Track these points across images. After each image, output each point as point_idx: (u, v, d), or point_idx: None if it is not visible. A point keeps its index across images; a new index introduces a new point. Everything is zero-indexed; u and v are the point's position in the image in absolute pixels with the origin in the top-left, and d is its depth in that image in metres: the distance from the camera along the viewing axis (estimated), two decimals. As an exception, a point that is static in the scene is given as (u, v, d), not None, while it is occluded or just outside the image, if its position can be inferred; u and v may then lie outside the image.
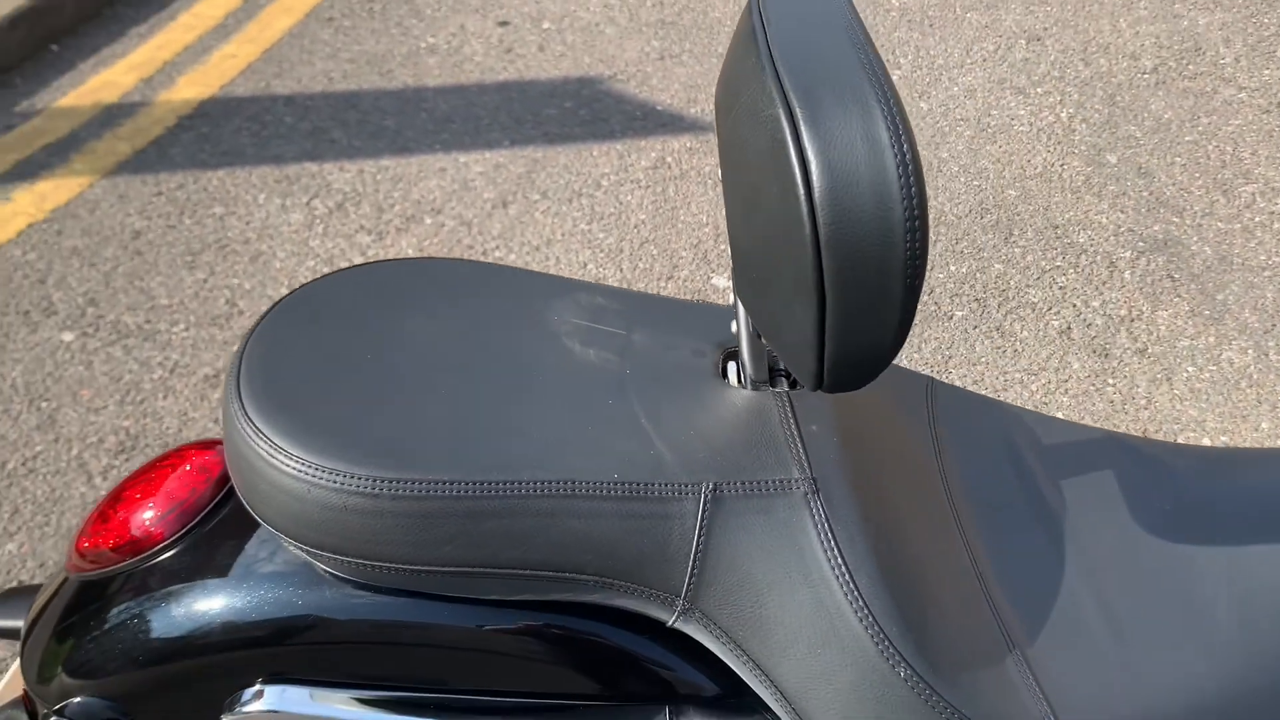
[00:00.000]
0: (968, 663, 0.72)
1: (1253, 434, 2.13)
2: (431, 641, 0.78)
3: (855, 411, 0.83)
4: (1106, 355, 2.32)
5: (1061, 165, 2.90)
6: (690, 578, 0.71)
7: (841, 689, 0.69)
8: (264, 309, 1.69)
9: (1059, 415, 2.18)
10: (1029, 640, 0.76)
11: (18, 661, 0.91)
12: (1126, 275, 2.54)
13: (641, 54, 3.33)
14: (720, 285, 2.47)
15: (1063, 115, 3.10)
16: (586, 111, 3.06)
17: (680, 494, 0.71)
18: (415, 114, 3.03)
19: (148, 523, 0.86)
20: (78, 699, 0.85)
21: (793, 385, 0.81)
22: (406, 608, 0.78)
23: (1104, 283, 2.51)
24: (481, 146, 2.90)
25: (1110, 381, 2.26)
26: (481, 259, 2.16)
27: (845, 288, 0.60)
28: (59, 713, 0.86)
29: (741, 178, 0.66)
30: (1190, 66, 3.35)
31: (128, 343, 2.25)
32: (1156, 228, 2.69)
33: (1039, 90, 3.21)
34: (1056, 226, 2.68)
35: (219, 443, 0.92)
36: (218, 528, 0.85)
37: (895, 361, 2.22)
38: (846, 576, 0.70)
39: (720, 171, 0.69)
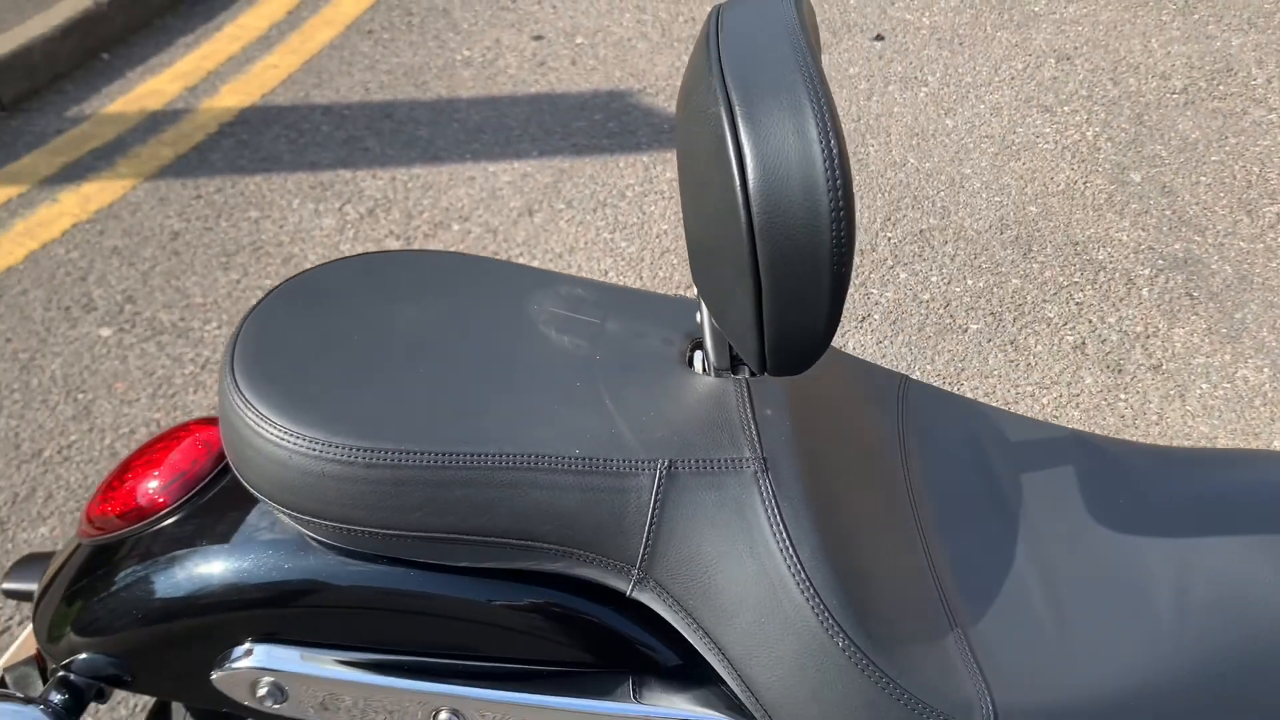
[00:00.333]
0: (907, 637, 0.76)
1: (1264, 451, 2.13)
2: (409, 608, 0.83)
3: (815, 400, 0.87)
4: (1120, 371, 2.33)
5: (1084, 183, 2.91)
6: (645, 548, 0.76)
7: (783, 657, 0.73)
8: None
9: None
10: (972, 621, 0.80)
11: (32, 623, 0.98)
12: (1144, 292, 2.55)
13: (672, 68, 3.39)
14: (738, 295, 2.51)
15: (1088, 134, 3.12)
16: (615, 124, 3.12)
17: (637, 469, 0.76)
18: (448, 124, 3.10)
19: (152, 491, 0.92)
20: (83, 655, 0.91)
21: (754, 373, 0.85)
22: (387, 575, 0.83)
23: (1121, 299, 2.52)
24: (511, 156, 2.97)
25: (1122, 397, 2.27)
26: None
27: (778, 274, 0.64)
28: (66, 668, 0.92)
29: (691, 172, 0.70)
30: (1220, 87, 3.35)
31: (162, 339, 2.33)
32: (1177, 246, 2.69)
33: (1066, 109, 3.23)
34: (1076, 243, 2.70)
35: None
36: (216, 497, 0.91)
37: (877, 361, 2.25)
38: (790, 550, 0.74)
39: (677, 168, 0.74)
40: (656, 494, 0.76)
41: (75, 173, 2.83)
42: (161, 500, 0.91)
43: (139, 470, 0.94)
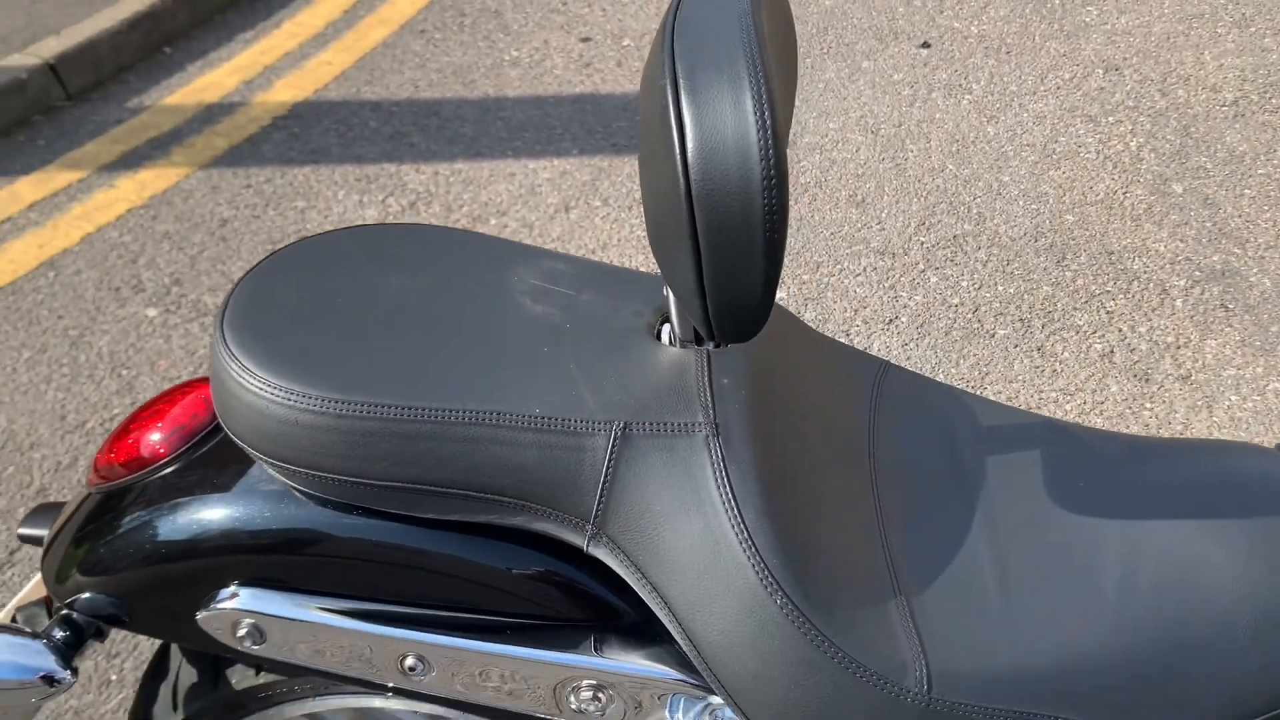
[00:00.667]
0: (847, 600, 0.78)
1: (1290, 465, 2.11)
2: (383, 559, 0.88)
3: (783, 377, 0.90)
4: (1147, 380, 2.32)
5: (1124, 193, 2.89)
6: (598, 505, 0.80)
7: (723, 612, 0.77)
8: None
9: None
10: (917, 591, 0.82)
11: (41, 566, 1.04)
12: (1178, 303, 2.53)
13: (715, 72, 3.42)
14: (766, 294, 2.53)
15: (1132, 144, 3.09)
16: (655, 125, 3.16)
17: (593, 430, 0.80)
18: (492, 122, 3.17)
19: (154, 443, 0.97)
20: (85, 595, 0.97)
21: (718, 346, 0.88)
22: (363, 527, 0.87)
23: (1154, 309, 2.51)
24: (551, 154, 3.03)
25: (1148, 406, 2.26)
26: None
27: (715, 240, 0.68)
28: (69, 606, 0.98)
29: (645, 144, 0.74)
30: (1273, 100, 3.30)
31: (205, 320, 2.42)
32: (1216, 258, 2.67)
33: (1110, 119, 3.21)
34: (1111, 252, 2.68)
35: None
36: (213, 449, 0.96)
37: (900, 363, 2.25)
38: (735, 510, 0.77)
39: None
40: (611, 453, 0.79)
41: (133, 160, 2.94)
42: (162, 451, 0.96)
43: (143, 423, 1.00)
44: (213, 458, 0.95)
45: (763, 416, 0.83)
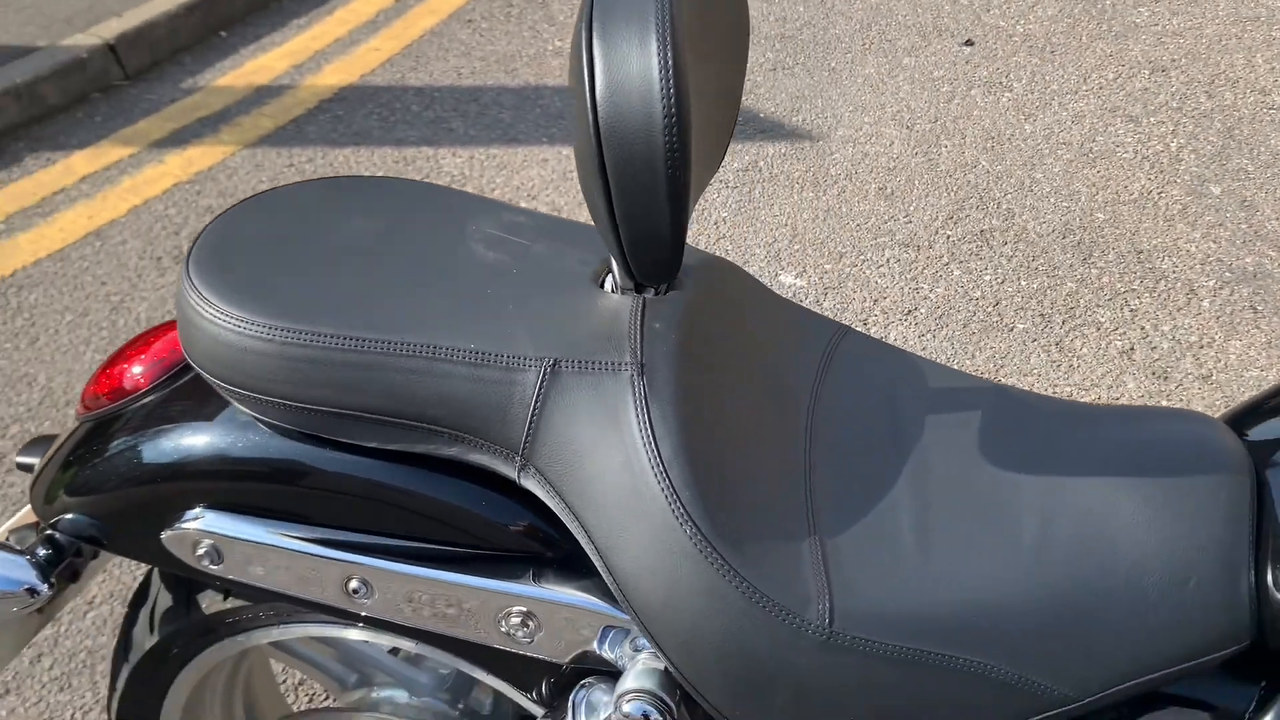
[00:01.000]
0: (758, 535, 0.81)
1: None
2: (335, 487, 0.92)
3: (718, 327, 0.93)
4: (1166, 378, 2.30)
5: (1159, 193, 2.86)
6: (526, 436, 0.83)
7: (637, 539, 0.80)
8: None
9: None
10: (832, 533, 0.85)
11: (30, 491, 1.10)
12: (1205, 303, 2.50)
13: (754, 64, 3.45)
14: (786, 281, 2.56)
15: (1172, 145, 3.06)
16: (690, 115, 3.19)
17: (524, 366, 0.83)
18: (531, 109, 3.23)
19: (135, 375, 1.03)
20: (69, 516, 1.03)
21: (657, 294, 0.91)
22: (316, 456, 0.92)
23: (1179, 308, 2.48)
24: (586, 141, 3.07)
25: (1164, 403, 2.23)
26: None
27: (622, 177, 0.71)
28: (53, 527, 1.04)
29: (573, 90, 0.78)
30: (1323, 105, 3.24)
31: (239, 290, 2.51)
32: (1249, 259, 2.63)
33: (1152, 120, 3.17)
34: (1140, 251, 2.65)
35: None
36: (188, 382, 1.01)
37: (915, 353, 2.26)
38: (653, 445, 0.80)
39: None
40: (540, 388, 0.83)
41: (182, 138, 3.04)
42: (142, 382, 1.02)
43: (129, 357, 1.06)
44: (188, 389, 1.01)
45: (691, 361, 0.86)
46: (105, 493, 1.00)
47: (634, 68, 0.69)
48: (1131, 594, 0.82)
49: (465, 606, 0.91)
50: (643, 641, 0.88)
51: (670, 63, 0.69)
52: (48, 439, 1.16)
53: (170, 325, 1.08)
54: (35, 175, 2.87)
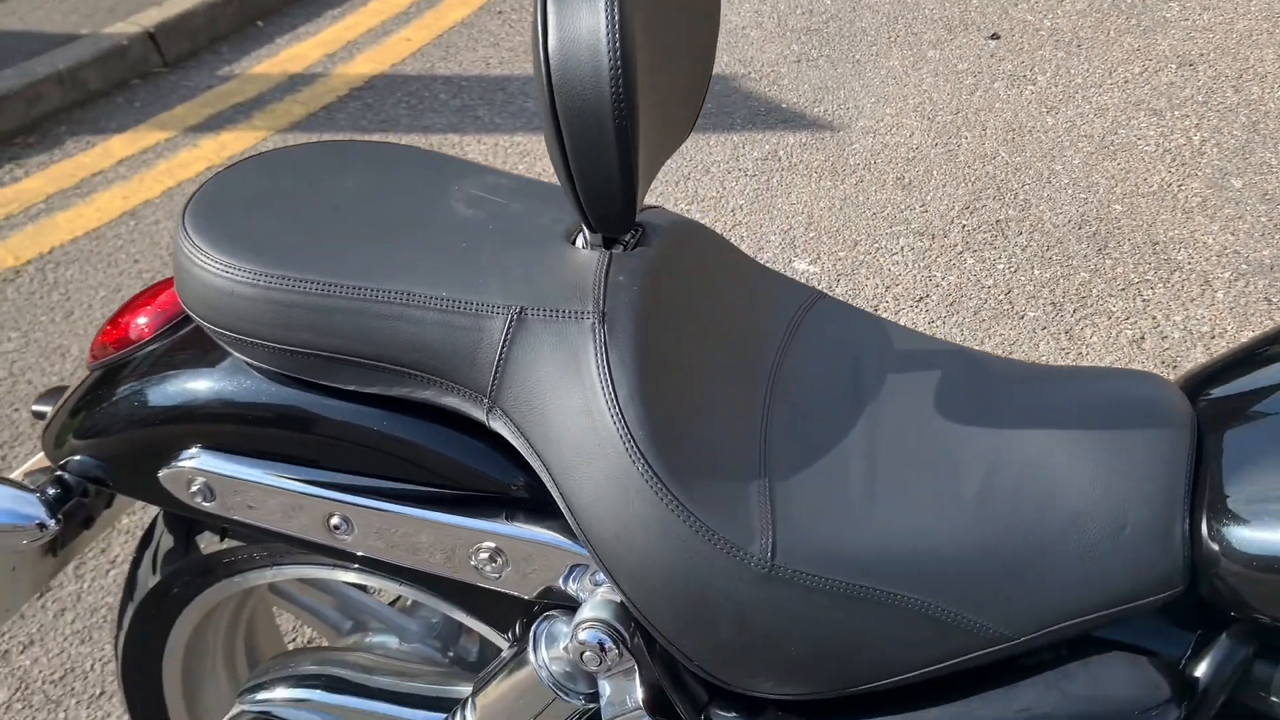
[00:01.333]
0: (708, 475, 0.85)
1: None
2: (319, 430, 0.97)
3: (684, 284, 0.97)
4: (1175, 367, 2.30)
5: (1179, 186, 2.86)
6: (494, 379, 0.88)
7: (593, 475, 0.84)
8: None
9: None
10: (783, 476, 0.88)
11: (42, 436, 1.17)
12: (1219, 295, 2.50)
13: (779, 56, 3.48)
14: (800, 268, 2.59)
15: (1195, 138, 3.05)
16: (712, 105, 3.23)
17: (492, 313, 0.88)
18: (556, 98, 3.28)
19: (140, 325, 1.09)
20: (76, 458, 1.09)
21: (625, 249, 0.96)
22: (302, 399, 0.97)
23: (1193, 299, 2.48)
24: (609, 130, 3.12)
25: (1172, 391, 2.24)
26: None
27: (572, 128, 0.76)
28: (62, 468, 1.11)
29: (534, 52, 0.82)
30: (1353, 100, 3.21)
31: (265, 269, 2.58)
32: (1267, 252, 2.62)
33: (1176, 113, 3.16)
34: (1157, 243, 2.66)
35: None
36: (190, 332, 1.07)
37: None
38: (610, 387, 0.85)
39: None
40: (506, 334, 0.88)
41: (216, 123, 3.13)
42: (146, 332, 1.08)
43: (135, 309, 1.12)
44: (188, 339, 1.07)
45: (653, 312, 0.90)
46: (109, 435, 1.06)
47: (583, 23, 0.74)
48: (1068, 540, 0.85)
49: (437, 542, 0.96)
50: (601, 577, 0.92)
51: (617, 18, 0.73)
52: (61, 389, 1.22)
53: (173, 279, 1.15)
54: (75, 158, 2.97)
